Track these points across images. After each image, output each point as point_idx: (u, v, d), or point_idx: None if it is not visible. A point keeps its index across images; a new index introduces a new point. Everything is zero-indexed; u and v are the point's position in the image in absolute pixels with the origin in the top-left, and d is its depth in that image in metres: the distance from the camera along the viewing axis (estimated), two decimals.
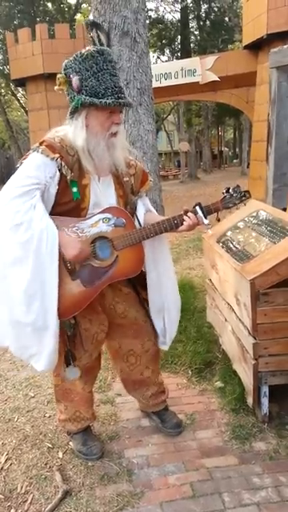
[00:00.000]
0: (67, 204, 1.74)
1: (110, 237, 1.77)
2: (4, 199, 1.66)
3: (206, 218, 1.82)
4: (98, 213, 1.76)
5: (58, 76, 1.71)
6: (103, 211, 1.77)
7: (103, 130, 1.71)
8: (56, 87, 1.73)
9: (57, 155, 1.68)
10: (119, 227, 1.77)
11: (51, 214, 1.72)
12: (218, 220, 1.93)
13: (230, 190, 1.85)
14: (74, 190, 1.73)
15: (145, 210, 1.98)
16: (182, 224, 1.81)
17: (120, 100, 1.67)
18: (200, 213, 1.81)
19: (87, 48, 1.69)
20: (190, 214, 1.81)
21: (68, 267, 1.75)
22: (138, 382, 2.16)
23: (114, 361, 2.19)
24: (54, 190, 1.71)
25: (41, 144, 1.71)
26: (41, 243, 1.63)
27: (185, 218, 1.81)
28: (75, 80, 1.65)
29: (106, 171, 1.81)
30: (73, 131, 1.72)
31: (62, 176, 1.70)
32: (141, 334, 2.04)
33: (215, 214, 1.87)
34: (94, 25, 1.79)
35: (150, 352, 2.09)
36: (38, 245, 1.63)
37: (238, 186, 1.86)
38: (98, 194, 1.79)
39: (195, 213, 1.82)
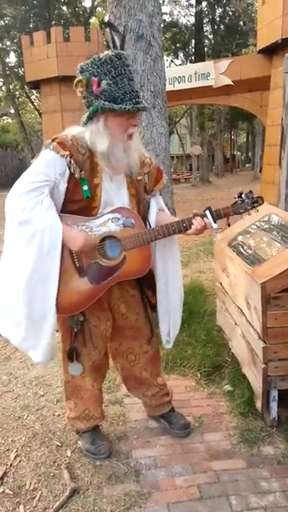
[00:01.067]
0: (79, 202, 1.77)
1: (118, 236, 1.79)
2: (14, 195, 1.71)
3: (215, 222, 1.82)
4: (108, 212, 1.79)
5: (80, 78, 1.71)
6: (112, 211, 1.79)
7: (121, 133, 1.73)
8: (78, 89, 1.73)
9: (67, 153, 1.71)
10: (128, 227, 1.79)
11: (63, 211, 1.76)
12: (228, 225, 1.93)
13: (243, 195, 1.83)
14: (85, 188, 1.75)
15: (157, 209, 1.98)
16: (191, 227, 1.82)
17: (138, 105, 1.69)
18: (209, 217, 1.81)
19: (105, 52, 1.70)
20: (198, 217, 1.82)
21: (76, 265, 1.78)
22: (137, 379, 2.17)
23: (114, 360, 2.21)
24: (63, 187, 1.74)
25: (53, 140, 1.74)
26: (43, 239, 1.67)
27: (193, 221, 1.82)
28: (97, 82, 1.66)
29: (120, 171, 1.83)
30: (90, 135, 1.74)
31: (72, 174, 1.73)
32: (139, 336, 2.06)
33: (226, 218, 1.87)
34: (108, 25, 1.81)
35: (148, 354, 2.11)
36: (40, 240, 1.67)
37: (250, 192, 1.84)
38: (109, 193, 1.81)
39: (204, 217, 1.82)
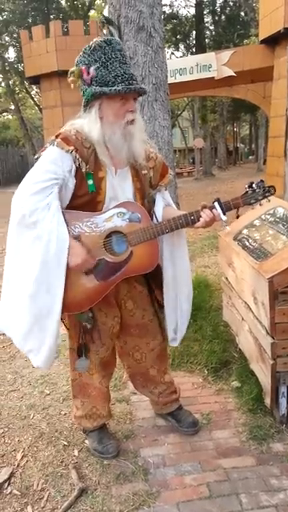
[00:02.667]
0: (83, 197, 1.74)
1: (124, 232, 1.75)
2: (22, 195, 1.66)
3: (224, 214, 1.76)
4: (113, 207, 1.75)
5: (72, 69, 1.71)
6: (118, 206, 1.75)
7: (118, 119, 1.69)
8: (70, 79, 1.73)
9: (71, 148, 1.68)
10: (134, 222, 1.75)
11: (68, 207, 1.73)
12: (237, 217, 1.86)
13: (254, 185, 1.77)
14: (90, 182, 1.72)
15: (164, 205, 1.94)
16: (199, 220, 1.77)
17: (130, 86, 1.65)
18: (218, 208, 1.76)
19: (94, 40, 1.69)
20: (207, 209, 1.77)
21: None
22: (144, 376, 2.14)
23: (120, 358, 2.18)
24: (72, 184, 1.71)
25: (57, 137, 1.71)
26: (50, 243, 1.63)
27: (202, 213, 1.77)
28: (86, 70, 1.66)
29: (123, 163, 1.79)
30: (87, 124, 1.72)
31: (78, 169, 1.70)
32: (146, 333, 2.02)
33: (235, 210, 1.81)
34: (107, 21, 1.80)
35: (155, 351, 2.08)
36: (46, 243, 1.63)
37: (261, 181, 1.78)
38: (114, 187, 1.77)
39: (213, 208, 1.77)
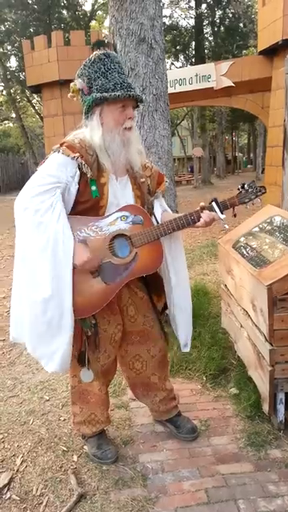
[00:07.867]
0: (86, 203, 1.79)
1: (128, 234, 1.80)
2: (24, 198, 1.71)
3: (222, 213, 1.84)
4: (116, 211, 1.80)
5: (71, 84, 1.81)
6: (121, 209, 1.80)
7: (117, 124, 1.77)
8: (69, 94, 1.84)
9: (77, 154, 1.73)
10: (137, 224, 1.80)
11: (71, 213, 1.77)
12: (235, 215, 1.92)
13: (245, 186, 1.88)
14: (93, 188, 1.77)
15: (161, 210, 2.01)
16: (199, 220, 1.84)
17: (129, 92, 1.74)
18: (216, 209, 1.84)
19: (94, 53, 1.79)
20: (206, 210, 1.84)
21: None
22: (145, 385, 2.16)
23: (121, 368, 2.20)
24: (74, 189, 1.76)
25: (61, 145, 1.77)
26: (57, 244, 1.67)
27: (202, 214, 1.84)
28: (82, 83, 1.77)
29: (122, 170, 1.86)
30: (89, 131, 1.79)
31: (82, 175, 1.75)
32: (147, 339, 2.04)
33: (231, 209, 1.89)
34: (99, 44, 1.92)
35: (156, 358, 2.09)
36: (54, 246, 1.67)
37: (252, 182, 1.89)
38: (116, 193, 1.83)
39: (211, 208, 1.84)
